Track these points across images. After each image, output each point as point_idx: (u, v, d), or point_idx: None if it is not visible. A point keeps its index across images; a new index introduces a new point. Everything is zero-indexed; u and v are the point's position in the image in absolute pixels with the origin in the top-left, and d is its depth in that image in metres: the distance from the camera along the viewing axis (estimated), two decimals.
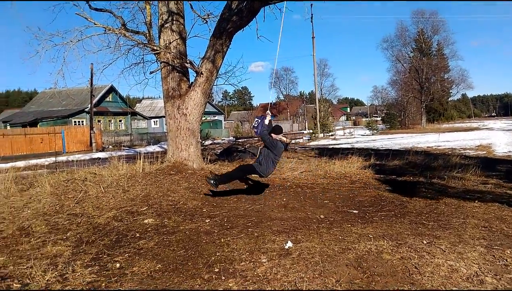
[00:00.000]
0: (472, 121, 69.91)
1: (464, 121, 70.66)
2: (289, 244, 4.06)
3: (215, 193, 6.83)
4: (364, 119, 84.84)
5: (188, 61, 8.93)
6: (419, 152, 15.09)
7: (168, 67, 9.27)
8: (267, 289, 3.10)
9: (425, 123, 54.64)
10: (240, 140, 25.73)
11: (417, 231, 4.59)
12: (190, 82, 9.53)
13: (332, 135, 35.82)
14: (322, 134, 36.60)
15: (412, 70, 55.63)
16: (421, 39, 57.74)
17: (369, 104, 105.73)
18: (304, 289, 3.06)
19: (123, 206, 5.99)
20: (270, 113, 6.20)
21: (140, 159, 8.79)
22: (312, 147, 24.47)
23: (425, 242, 4.10)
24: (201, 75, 9.03)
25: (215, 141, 29.51)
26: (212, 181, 6.06)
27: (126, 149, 26.55)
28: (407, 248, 3.90)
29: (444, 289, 3.03)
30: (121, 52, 8.98)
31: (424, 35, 58.05)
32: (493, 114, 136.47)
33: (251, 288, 3.13)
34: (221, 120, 61.56)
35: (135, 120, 49.78)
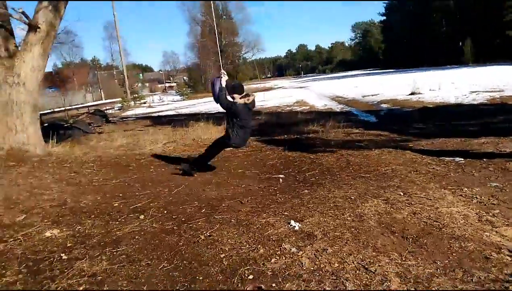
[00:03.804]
0: (259, 82, 78.13)
1: (253, 83, 78.33)
2: (294, 223, 3.45)
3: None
4: (159, 85, 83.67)
5: (20, 10, 6.50)
6: (255, 112, 15.79)
7: None
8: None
9: None
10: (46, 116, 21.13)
11: (373, 186, 4.59)
12: (18, 41, 7.14)
13: (145, 103, 34.02)
14: (133, 102, 34.36)
15: (211, 33, 57.62)
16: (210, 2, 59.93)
17: (160, 71, 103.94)
18: (389, 272, 2.60)
19: None
20: (224, 73, 5.23)
21: None
22: (134, 116, 22.68)
23: (401, 193, 4.17)
24: (38, 30, 6.80)
25: None
26: (188, 170, 5.67)
27: None
28: (403, 203, 3.86)
29: (483, 237, 3.07)
30: None
31: None
32: (268, 75, 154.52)
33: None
34: None
35: None
